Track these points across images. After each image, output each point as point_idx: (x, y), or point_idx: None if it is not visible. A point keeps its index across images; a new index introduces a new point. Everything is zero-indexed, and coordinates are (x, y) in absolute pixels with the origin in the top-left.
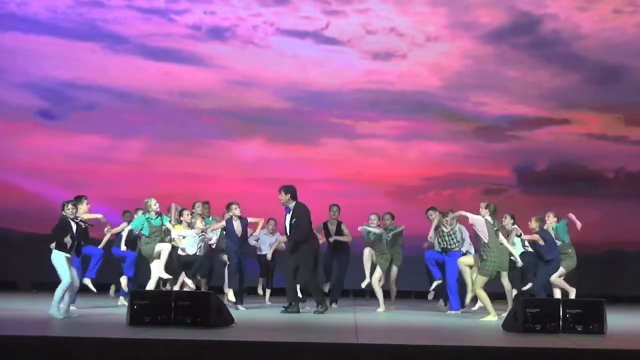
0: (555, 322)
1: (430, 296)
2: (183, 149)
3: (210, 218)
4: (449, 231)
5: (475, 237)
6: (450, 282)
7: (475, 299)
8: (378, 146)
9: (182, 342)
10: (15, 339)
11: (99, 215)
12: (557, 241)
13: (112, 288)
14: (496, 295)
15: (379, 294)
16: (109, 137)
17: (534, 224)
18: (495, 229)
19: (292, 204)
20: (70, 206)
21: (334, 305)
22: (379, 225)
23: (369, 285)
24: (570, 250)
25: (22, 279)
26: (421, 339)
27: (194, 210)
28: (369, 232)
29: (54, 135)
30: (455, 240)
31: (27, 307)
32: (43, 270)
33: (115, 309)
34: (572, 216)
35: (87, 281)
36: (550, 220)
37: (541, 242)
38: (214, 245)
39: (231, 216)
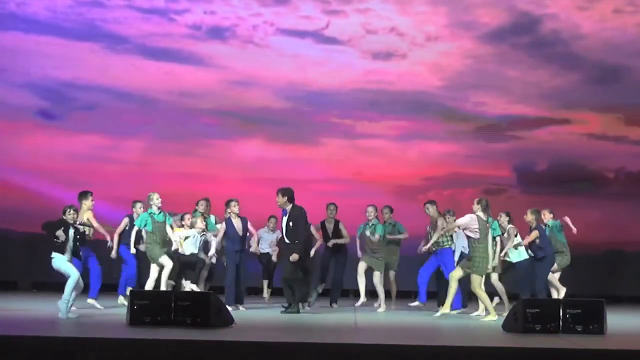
0: (555, 322)
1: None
2: (183, 149)
3: (212, 217)
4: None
5: (467, 238)
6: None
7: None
8: (378, 146)
9: (182, 342)
10: (15, 339)
11: (95, 224)
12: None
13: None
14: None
15: (381, 293)
16: (109, 137)
17: (529, 217)
18: (487, 225)
19: (289, 207)
20: (72, 212)
21: (334, 305)
22: (376, 217)
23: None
24: (564, 249)
25: (22, 279)
26: (421, 339)
27: (197, 208)
28: (367, 236)
29: (54, 135)
30: (446, 237)
31: (27, 307)
32: (43, 270)
33: (115, 309)
34: (567, 220)
35: (92, 302)
36: (546, 218)
37: (537, 241)
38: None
39: (230, 215)
